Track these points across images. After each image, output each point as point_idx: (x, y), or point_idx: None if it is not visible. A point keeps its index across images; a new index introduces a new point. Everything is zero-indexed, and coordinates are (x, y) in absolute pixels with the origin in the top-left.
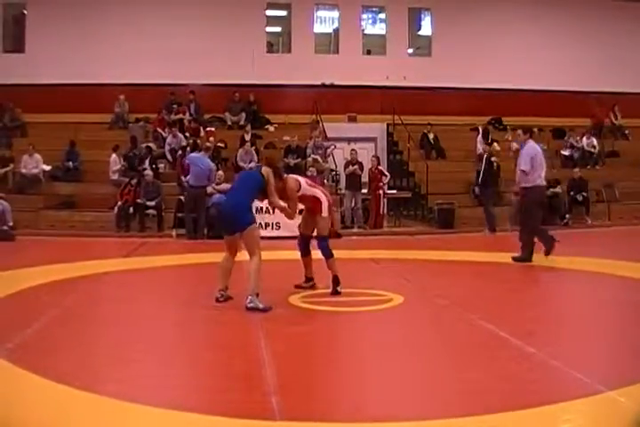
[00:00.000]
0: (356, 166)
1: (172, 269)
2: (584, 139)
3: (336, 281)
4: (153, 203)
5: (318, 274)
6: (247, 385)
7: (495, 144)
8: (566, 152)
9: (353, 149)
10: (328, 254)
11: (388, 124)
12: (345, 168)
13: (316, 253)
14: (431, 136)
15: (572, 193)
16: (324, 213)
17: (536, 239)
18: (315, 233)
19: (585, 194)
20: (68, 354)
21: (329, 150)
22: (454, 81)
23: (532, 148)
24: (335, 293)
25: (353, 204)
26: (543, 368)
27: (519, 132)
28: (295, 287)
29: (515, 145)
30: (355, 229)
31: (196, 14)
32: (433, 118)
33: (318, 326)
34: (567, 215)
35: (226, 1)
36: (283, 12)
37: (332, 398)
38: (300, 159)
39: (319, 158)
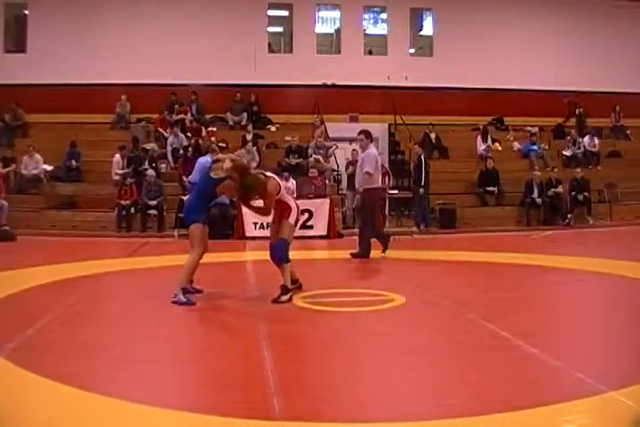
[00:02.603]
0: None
1: (173, 269)
2: (585, 138)
3: (283, 290)
4: (155, 202)
5: (315, 275)
6: (248, 385)
7: (497, 144)
8: (568, 152)
9: (354, 149)
10: (283, 259)
11: (389, 125)
12: (346, 168)
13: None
14: (433, 136)
15: (573, 193)
16: (291, 219)
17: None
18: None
19: (586, 194)
20: (69, 354)
21: (330, 150)
22: (456, 81)
23: (374, 153)
24: (277, 301)
25: (355, 204)
26: (545, 368)
27: (361, 136)
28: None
29: (517, 145)
30: (356, 230)
31: (197, 14)
32: (435, 118)
33: (319, 326)
34: (569, 215)
35: (227, 1)
36: (284, 13)
37: (333, 399)
38: (301, 159)
39: (321, 158)
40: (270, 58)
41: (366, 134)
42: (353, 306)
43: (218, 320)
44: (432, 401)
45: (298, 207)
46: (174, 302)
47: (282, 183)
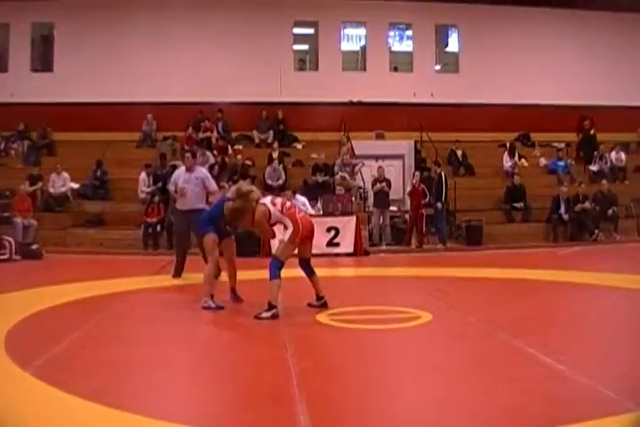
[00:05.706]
0: (383, 184)
1: (199, 286)
2: (613, 153)
3: (268, 306)
4: None
5: (341, 292)
6: (274, 403)
7: (523, 160)
8: (595, 167)
9: (380, 167)
10: (272, 275)
11: (415, 142)
12: (373, 186)
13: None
14: (459, 153)
15: (599, 208)
16: (285, 237)
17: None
18: (310, 254)
19: (614, 209)
20: (96, 371)
21: (357, 168)
22: (482, 97)
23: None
24: (257, 317)
25: (381, 221)
26: (573, 386)
27: (188, 155)
28: (308, 306)
29: (543, 161)
30: (383, 247)
31: (223, 33)
32: (461, 135)
33: (346, 343)
34: (596, 231)
35: (253, 19)
36: (310, 30)
37: (359, 416)
38: (327, 177)
39: (347, 176)
40: (296, 75)
41: (192, 154)
42: (379, 323)
43: (243, 338)
44: (460, 419)
45: (299, 224)
46: (205, 308)
47: (272, 207)
